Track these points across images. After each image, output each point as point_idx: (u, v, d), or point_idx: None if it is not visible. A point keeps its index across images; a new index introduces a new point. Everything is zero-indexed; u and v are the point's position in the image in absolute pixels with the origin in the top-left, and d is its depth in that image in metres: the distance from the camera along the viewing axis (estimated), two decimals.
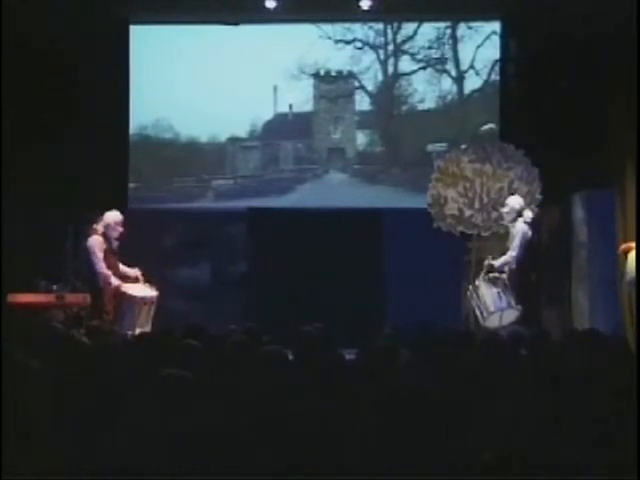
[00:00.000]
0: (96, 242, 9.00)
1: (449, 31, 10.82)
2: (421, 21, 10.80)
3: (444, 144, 10.70)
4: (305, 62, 10.84)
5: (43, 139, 9.92)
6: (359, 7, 10.35)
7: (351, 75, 10.96)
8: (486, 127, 10.76)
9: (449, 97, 10.93)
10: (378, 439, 3.27)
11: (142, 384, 4.13)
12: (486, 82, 10.81)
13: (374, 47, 10.90)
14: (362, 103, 11.08)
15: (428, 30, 10.81)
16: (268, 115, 11.02)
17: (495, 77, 10.78)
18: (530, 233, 9.27)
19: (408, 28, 10.86)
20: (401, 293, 10.02)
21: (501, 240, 9.58)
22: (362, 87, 11.01)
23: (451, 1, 10.41)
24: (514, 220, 9.30)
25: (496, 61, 10.74)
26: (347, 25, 10.85)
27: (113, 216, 9.16)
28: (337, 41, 10.84)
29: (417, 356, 5.26)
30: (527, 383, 4.38)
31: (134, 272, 9.20)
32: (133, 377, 4.38)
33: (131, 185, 10.90)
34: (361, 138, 11.15)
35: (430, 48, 10.82)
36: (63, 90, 10.17)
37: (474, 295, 9.18)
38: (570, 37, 9.86)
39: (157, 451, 3.29)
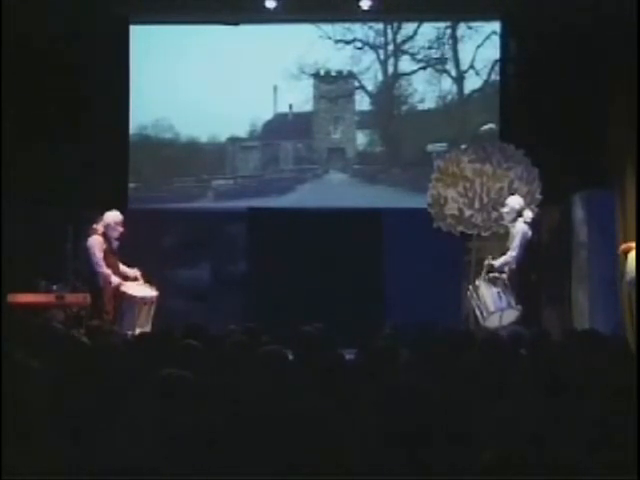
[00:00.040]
0: (96, 242, 9.00)
1: (449, 31, 10.83)
2: (421, 21, 10.80)
3: (444, 144, 10.70)
4: (305, 62, 10.84)
5: (43, 139, 9.93)
6: (359, 7, 10.35)
7: (351, 75, 10.96)
8: (486, 127, 10.76)
9: (449, 97, 10.93)
10: (378, 439, 3.27)
11: (142, 384, 4.13)
12: (486, 82, 10.81)
13: (374, 47, 10.90)
14: (362, 103, 11.08)
15: (428, 30, 10.81)
16: (268, 115, 11.02)
17: (495, 77, 10.78)
18: (530, 233, 9.27)
19: (408, 28, 10.86)
20: (401, 293, 10.02)
21: (501, 240, 9.59)
22: (362, 87, 11.01)
23: (451, 1, 10.41)
24: (514, 220, 9.30)
25: (496, 61, 10.74)
26: (347, 25, 10.85)
27: (113, 216, 9.16)
28: (337, 41, 10.84)
29: (417, 356, 5.26)
30: (527, 383, 4.38)
31: (134, 272, 9.20)
32: (133, 377, 4.38)
33: (131, 185, 10.90)
34: (361, 138, 11.16)
35: (430, 48, 10.82)
36: (63, 90, 10.17)
37: (474, 295, 9.18)
38: (570, 37, 9.87)
39: (157, 451, 3.29)
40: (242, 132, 11.03)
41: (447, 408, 3.52)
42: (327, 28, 10.81)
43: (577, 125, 9.86)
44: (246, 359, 4.97)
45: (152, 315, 9.01)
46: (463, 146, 10.21)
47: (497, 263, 9.21)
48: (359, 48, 10.89)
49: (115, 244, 9.16)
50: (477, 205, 9.85)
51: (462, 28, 10.80)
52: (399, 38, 10.89)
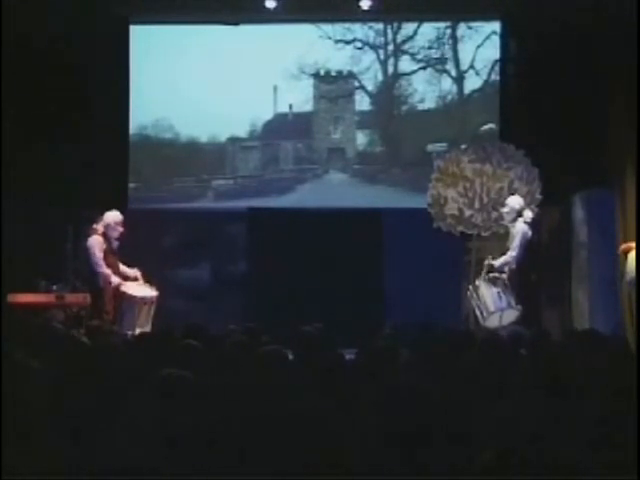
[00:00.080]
0: (96, 242, 9.01)
1: (449, 31, 10.83)
2: (421, 21, 10.80)
3: (444, 144, 10.70)
4: (305, 62, 10.84)
5: (43, 139, 9.93)
6: (359, 7, 10.35)
7: (351, 75, 10.96)
8: (486, 127, 10.76)
9: (449, 97, 10.93)
10: (378, 439, 3.27)
11: (142, 384, 4.13)
12: (486, 82, 10.81)
13: (374, 47, 10.90)
14: (362, 103, 11.08)
15: (428, 30, 10.81)
16: (268, 115, 11.02)
17: (495, 77, 10.78)
18: (530, 233, 9.28)
19: (408, 28, 10.86)
20: (401, 293, 10.03)
21: (501, 240, 9.59)
22: (362, 87, 11.01)
23: (451, 1, 10.42)
24: (514, 220, 9.31)
25: (496, 61, 10.74)
26: (347, 25, 10.86)
27: (113, 216, 9.17)
28: (337, 41, 10.84)
29: (417, 356, 5.25)
30: (527, 383, 4.38)
31: (134, 272, 9.21)
32: (133, 377, 4.38)
33: (131, 185, 10.90)
34: (361, 138, 11.16)
35: (430, 48, 10.82)
36: (63, 90, 10.17)
37: (474, 295, 9.18)
38: (570, 37, 9.87)
39: (157, 451, 3.29)
40: (242, 132, 11.03)
41: (447, 408, 3.52)
42: (327, 28, 10.81)
43: (577, 125, 9.86)
44: (246, 359, 4.97)
45: (152, 315, 9.02)
46: (463, 146, 10.21)
47: (497, 263, 9.21)
48: (359, 48, 10.89)
49: (115, 244, 9.16)
50: (477, 205, 9.85)
51: (462, 28, 10.80)
52: (399, 38, 10.89)
